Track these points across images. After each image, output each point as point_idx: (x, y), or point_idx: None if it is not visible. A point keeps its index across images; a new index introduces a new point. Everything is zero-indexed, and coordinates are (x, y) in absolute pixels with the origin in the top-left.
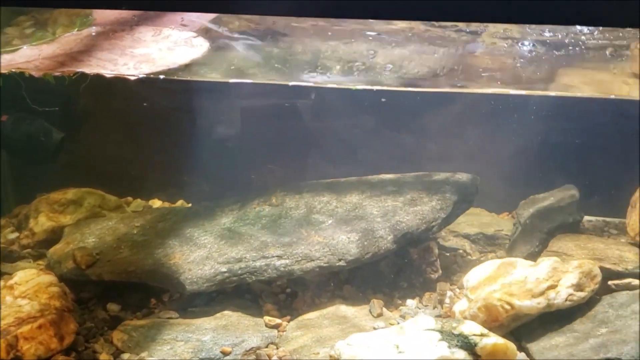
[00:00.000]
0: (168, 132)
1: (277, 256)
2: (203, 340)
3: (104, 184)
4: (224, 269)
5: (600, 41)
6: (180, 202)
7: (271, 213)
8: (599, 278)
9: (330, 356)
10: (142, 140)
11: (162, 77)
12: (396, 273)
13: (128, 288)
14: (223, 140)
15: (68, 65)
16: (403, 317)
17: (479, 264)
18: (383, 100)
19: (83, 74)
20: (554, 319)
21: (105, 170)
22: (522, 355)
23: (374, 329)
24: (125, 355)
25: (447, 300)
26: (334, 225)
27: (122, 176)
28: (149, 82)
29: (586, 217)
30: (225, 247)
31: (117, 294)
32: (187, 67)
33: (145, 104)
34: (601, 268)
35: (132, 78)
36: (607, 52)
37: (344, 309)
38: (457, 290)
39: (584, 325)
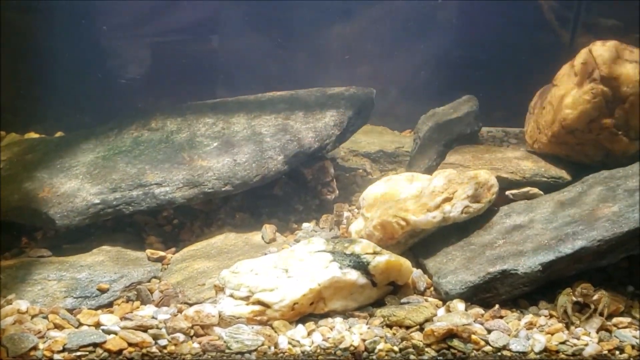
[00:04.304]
0: (38, 58)
1: (156, 184)
2: (78, 278)
3: None
4: (97, 201)
5: None
6: (58, 135)
7: (150, 138)
8: (495, 188)
9: (215, 286)
10: (11, 67)
11: None
12: (291, 196)
13: None
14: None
15: None
16: (298, 241)
17: None
18: None
19: None
20: (451, 232)
21: None
22: (418, 272)
23: (265, 255)
24: None
25: (344, 222)
26: (219, 148)
27: None
28: None
29: (486, 129)
30: (99, 177)
31: None
32: None
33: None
34: (498, 178)
35: None
36: None
37: (233, 237)
38: (356, 210)
39: (481, 238)
